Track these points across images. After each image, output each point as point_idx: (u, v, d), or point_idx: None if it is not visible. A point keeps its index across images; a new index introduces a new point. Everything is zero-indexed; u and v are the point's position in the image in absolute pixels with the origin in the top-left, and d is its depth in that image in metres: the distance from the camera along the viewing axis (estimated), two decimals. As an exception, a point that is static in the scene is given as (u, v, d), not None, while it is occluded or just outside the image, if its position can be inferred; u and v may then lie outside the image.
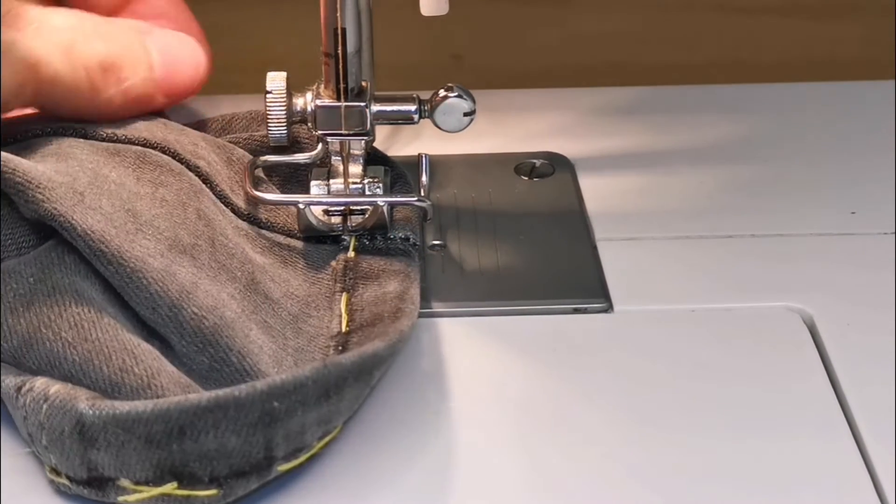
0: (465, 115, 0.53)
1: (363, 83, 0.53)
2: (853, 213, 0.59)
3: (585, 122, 0.67)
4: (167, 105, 0.56)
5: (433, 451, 0.47)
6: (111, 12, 0.57)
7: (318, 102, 0.53)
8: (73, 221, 0.47)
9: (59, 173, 0.49)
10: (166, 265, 0.48)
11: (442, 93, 0.54)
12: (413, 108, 0.54)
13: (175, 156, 0.53)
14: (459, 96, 0.53)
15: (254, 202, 0.55)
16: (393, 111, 0.54)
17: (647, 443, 0.48)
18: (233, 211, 0.54)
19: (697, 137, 0.65)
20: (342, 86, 0.53)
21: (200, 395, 0.43)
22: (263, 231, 0.54)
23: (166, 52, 0.55)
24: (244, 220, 0.54)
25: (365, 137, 0.54)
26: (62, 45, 0.52)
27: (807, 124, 0.66)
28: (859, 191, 0.61)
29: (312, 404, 0.44)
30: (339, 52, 0.52)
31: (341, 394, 0.45)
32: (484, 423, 0.49)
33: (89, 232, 0.47)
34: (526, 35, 0.82)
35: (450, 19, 0.57)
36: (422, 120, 0.54)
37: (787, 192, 0.61)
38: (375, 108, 0.54)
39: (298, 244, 0.55)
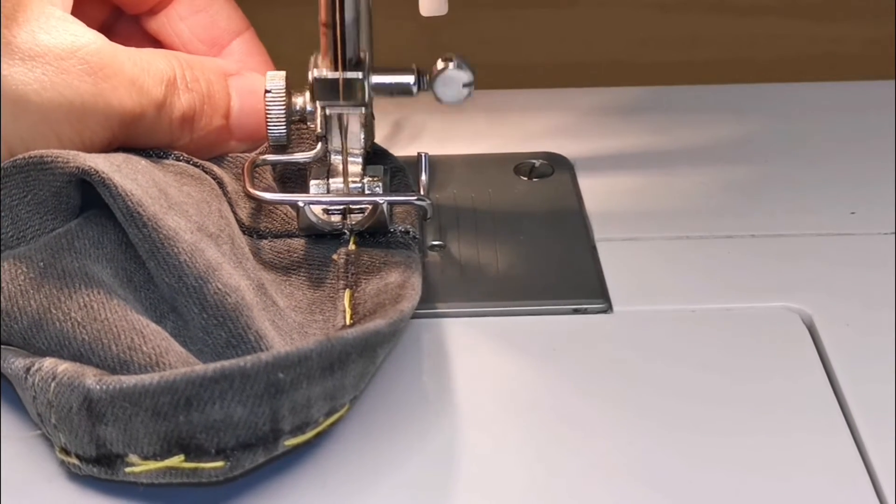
0: (464, 86, 0.52)
1: (361, 53, 0.53)
2: (853, 213, 0.59)
3: (585, 122, 0.67)
4: (239, 148, 0.56)
5: (433, 450, 0.47)
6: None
7: (316, 73, 0.52)
8: (114, 181, 0.48)
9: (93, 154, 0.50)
10: (196, 241, 0.49)
11: (440, 64, 0.52)
12: (411, 79, 0.53)
13: (189, 161, 0.54)
14: (458, 67, 0.52)
15: (254, 210, 0.55)
16: (391, 83, 0.53)
17: (646, 442, 0.48)
18: (237, 222, 0.54)
19: (697, 137, 0.65)
20: (340, 56, 0.52)
21: (206, 366, 0.43)
22: (263, 242, 0.54)
23: (248, 96, 0.55)
24: (246, 235, 0.54)
25: (362, 108, 0.53)
26: (157, 100, 0.52)
27: (807, 124, 0.66)
28: (859, 191, 0.61)
29: (317, 377, 0.44)
30: (338, 20, 0.51)
31: (345, 369, 0.45)
32: (484, 423, 0.49)
33: (129, 193, 0.48)
34: (526, 35, 0.81)
35: (450, 19, 0.57)
36: (420, 93, 0.53)
37: (787, 192, 0.61)
38: (374, 79, 0.53)
39: (299, 244, 0.55)
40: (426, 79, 0.53)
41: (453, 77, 0.52)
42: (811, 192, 0.61)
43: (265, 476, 0.46)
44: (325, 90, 0.52)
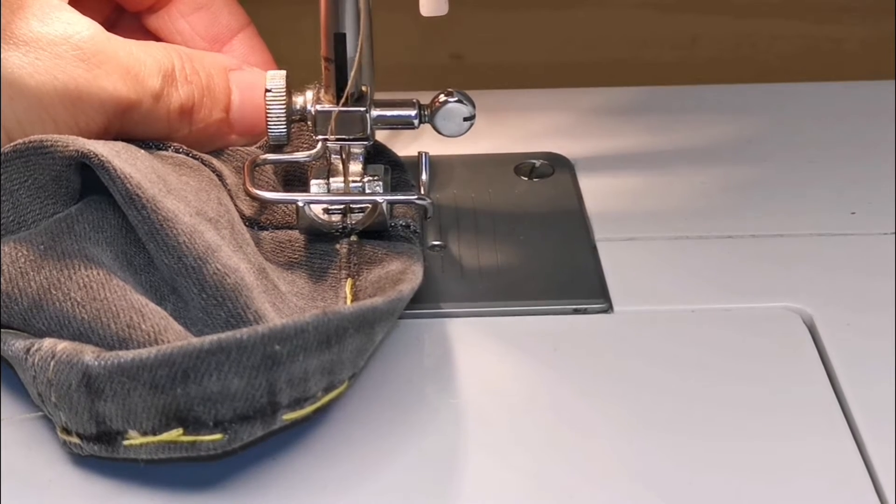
0: (465, 119, 0.53)
1: (363, 88, 0.54)
2: (853, 213, 0.59)
3: (585, 122, 0.67)
4: (239, 142, 0.57)
5: (432, 450, 0.47)
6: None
7: (318, 108, 0.53)
8: (113, 164, 0.48)
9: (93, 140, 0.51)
10: (195, 223, 0.49)
11: (442, 98, 0.53)
12: (413, 112, 0.54)
13: (188, 153, 0.54)
14: (459, 101, 0.53)
15: (254, 202, 0.55)
16: (393, 116, 0.54)
17: (646, 443, 0.47)
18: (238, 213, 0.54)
19: (697, 137, 0.65)
20: (342, 91, 0.53)
21: (203, 339, 0.43)
22: (264, 233, 0.55)
23: (249, 90, 0.56)
24: (247, 226, 0.54)
25: (365, 142, 0.54)
26: (154, 91, 0.53)
27: (807, 124, 0.66)
28: (859, 191, 0.61)
29: (314, 350, 0.44)
30: (339, 57, 0.52)
31: (343, 343, 0.45)
32: (484, 423, 0.49)
33: (128, 176, 0.48)
34: (526, 35, 0.82)
35: (450, 19, 0.57)
36: (422, 125, 0.54)
37: (787, 192, 0.61)
38: (375, 112, 0.54)
39: (300, 235, 0.55)
40: (427, 112, 0.54)
41: (454, 111, 0.53)
42: (811, 192, 0.61)
43: (263, 474, 0.46)
44: (328, 124, 0.53)
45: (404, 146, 0.64)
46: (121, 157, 0.50)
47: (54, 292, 0.47)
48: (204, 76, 0.55)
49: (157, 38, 0.58)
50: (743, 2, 0.81)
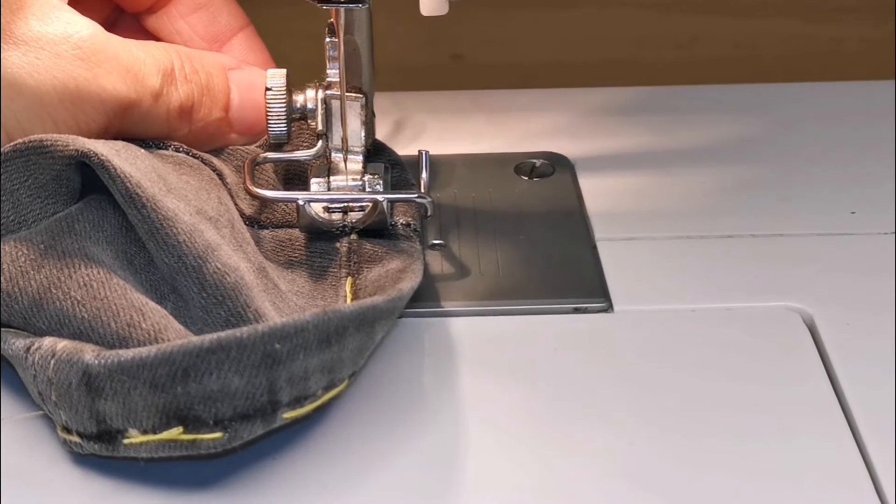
0: None
1: None
2: (853, 213, 0.59)
3: (585, 122, 0.67)
4: (238, 141, 0.57)
5: (432, 449, 0.47)
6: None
7: None
8: (113, 163, 0.48)
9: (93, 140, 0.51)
10: (195, 222, 0.49)
11: None
12: None
13: (189, 153, 0.54)
14: None
15: (255, 201, 0.55)
16: None
17: (646, 443, 0.47)
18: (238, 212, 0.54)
19: (697, 137, 0.65)
20: None
21: (203, 337, 0.43)
22: (264, 232, 0.55)
23: (248, 90, 0.56)
24: (247, 225, 0.54)
25: (360, 4, 0.52)
26: (154, 90, 0.53)
27: (807, 124, 0.66)
28: (859, 191, 0.61)
29: (314, 349, 0.44)
30: None
31: (343, 342, 0.45)
32: (483, 422, 0.49)
33: (128, 175, 0.48)
34: (526, 35, 0.82)
35: (450, 19, 0.57)
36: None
37: (787, 192, 0.61)
38: None
39: (301, 234, 0.55)
40: None
41: None
42: (811, 192, 0.61)
43: (263, 473, 0.46)
44: None
45: (404, 146, 0.64)
46: (121, 157, 0.50)
47: (54, 291, 0.47)
48: (203, 75, 0.55)
49: (157, 39, 0.58)
50: (743, 2, 0.81)
